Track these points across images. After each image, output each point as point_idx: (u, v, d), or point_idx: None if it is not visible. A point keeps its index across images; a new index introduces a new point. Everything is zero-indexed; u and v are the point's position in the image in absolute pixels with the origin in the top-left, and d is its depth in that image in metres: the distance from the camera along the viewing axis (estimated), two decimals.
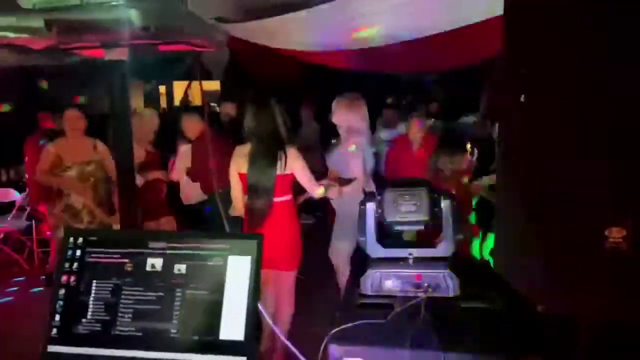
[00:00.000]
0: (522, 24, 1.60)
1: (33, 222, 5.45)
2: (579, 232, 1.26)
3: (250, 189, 2.95)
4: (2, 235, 5.32)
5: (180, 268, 0.92)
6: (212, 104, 13.04)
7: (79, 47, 1.03)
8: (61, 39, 0.91)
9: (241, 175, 2.99)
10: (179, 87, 13.32)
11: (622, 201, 1.19)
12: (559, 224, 1.34)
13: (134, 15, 0.83)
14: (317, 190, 3.03)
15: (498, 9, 1.66)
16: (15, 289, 4.93)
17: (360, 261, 1.94)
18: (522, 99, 1.62)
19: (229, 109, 6.05)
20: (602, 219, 1.21)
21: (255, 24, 5.34)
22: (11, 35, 0.86)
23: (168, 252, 0.93)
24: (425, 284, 1.66)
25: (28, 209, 5.41)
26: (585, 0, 1.24)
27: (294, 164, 2.93)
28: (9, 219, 5.29)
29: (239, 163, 2.97)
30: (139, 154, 3.73)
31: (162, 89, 12.87)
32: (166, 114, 11.30)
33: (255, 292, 0.87)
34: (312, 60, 6.09)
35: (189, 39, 0.97)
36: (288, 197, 3.04)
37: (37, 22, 0.89)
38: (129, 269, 0.93)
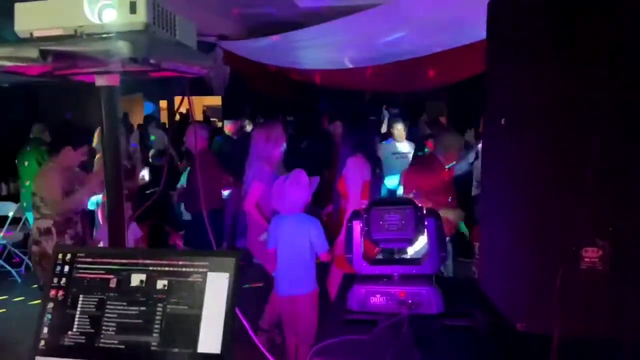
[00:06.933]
0: (503, 50, 1.65)
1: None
2: (557, 251, 1.30)
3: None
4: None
5: (162, 284, 0.97)
6: (213, 119, 13.10)
7: (72, 74, 1.09)
8: (55, 66, 0.97)
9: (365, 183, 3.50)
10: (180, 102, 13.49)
11: (599, 222, 1.23)
12: (537, 243, 1.38)
13: (123, 46, 0.89)
14: None
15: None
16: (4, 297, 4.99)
17: (348, 278, 1.98)
18: (502, 122, 1.67)
19: (246, 125, 6.72)
20: (579, 239, 1.25)
21: (254, 42, 5.47)
22: (8, 63, 0.91)
23: (151, 268, 0.98)
24: (409, 301, 1.69)
25: (23, 219, 5.45)
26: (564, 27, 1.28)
27: None
28: (2, 231, 5.31)
29: (364, 174, 3.53)
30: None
31: (163, 103, 13.01)
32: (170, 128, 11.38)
33: (232, 307, 0.92)
34: (305, 78, 6.22)
35: (176, 67, 1.03)
36: None
37: (33, 52, 0.95)
38: (114, 284, 0.98)
